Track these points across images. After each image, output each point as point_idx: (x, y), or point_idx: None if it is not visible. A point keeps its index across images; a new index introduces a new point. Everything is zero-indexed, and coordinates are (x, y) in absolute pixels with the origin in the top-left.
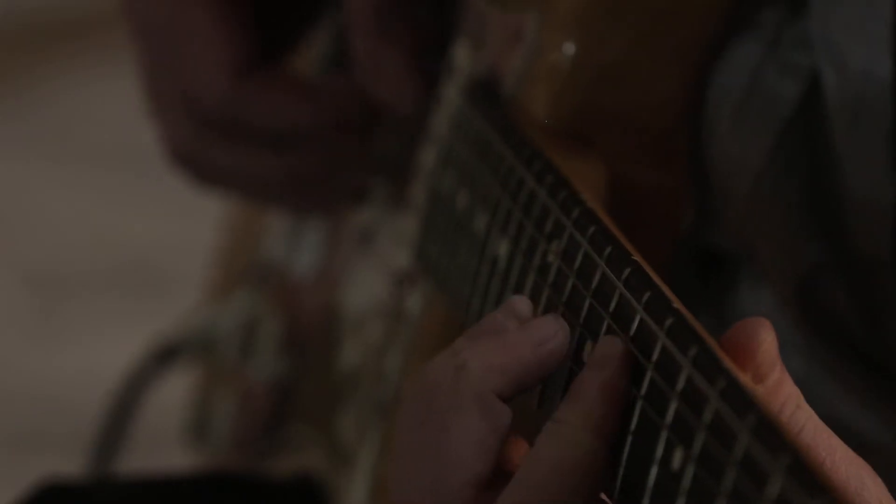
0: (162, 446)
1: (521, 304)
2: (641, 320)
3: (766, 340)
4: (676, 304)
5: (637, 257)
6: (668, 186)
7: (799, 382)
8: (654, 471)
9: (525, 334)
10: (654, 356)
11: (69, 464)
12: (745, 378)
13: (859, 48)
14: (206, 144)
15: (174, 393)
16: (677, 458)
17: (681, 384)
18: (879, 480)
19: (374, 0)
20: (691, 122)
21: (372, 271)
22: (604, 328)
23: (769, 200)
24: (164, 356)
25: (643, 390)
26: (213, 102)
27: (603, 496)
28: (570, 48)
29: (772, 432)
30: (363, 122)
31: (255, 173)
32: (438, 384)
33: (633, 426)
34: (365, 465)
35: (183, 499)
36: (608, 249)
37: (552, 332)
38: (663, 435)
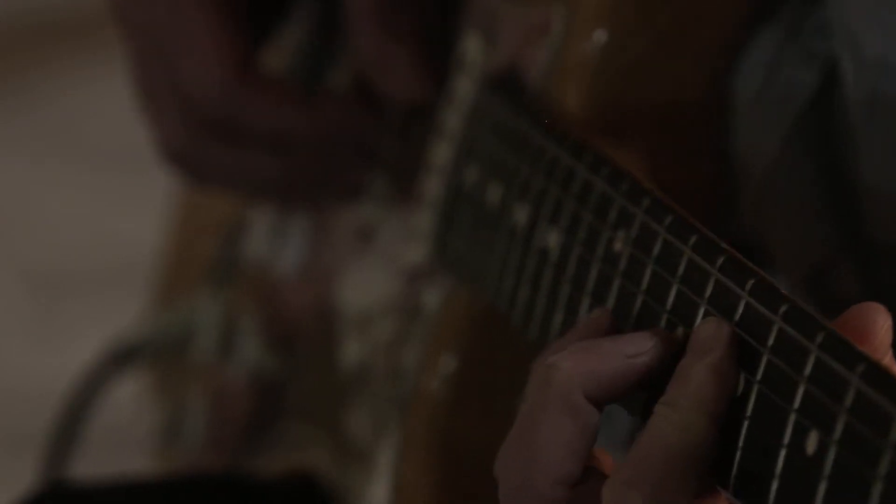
0: (125, 449)
1: (604, 316)
2: (748, 305)
3: (885, 324)
4: (785, 291)
5: (726, 245)
6: (702, 178)
7: None
8: (782, 456)
9: (618, 344)
10: (770, 341)
11: (69, 464)
12: (881, 361)
13: (875, 35)
14: (202, 144)
15: (138, 395)
16: (812, 442)
17: (809, 369)
18: None
19: None
20: (720, 112)
21: (374, 268)
22: (700, 314)
23: (784, 187)
24: (122, 358)
25: (759, 375)
26: (210, 100)
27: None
28: (600, 40)
29: None
30: (361, 133)
31: (251, 173)
32: (531, 385)
33: (749, 411)
34: (384, 462)
35: (183, 499)
36: (693, 238)
37: (647, 347)
38: (791, 419)
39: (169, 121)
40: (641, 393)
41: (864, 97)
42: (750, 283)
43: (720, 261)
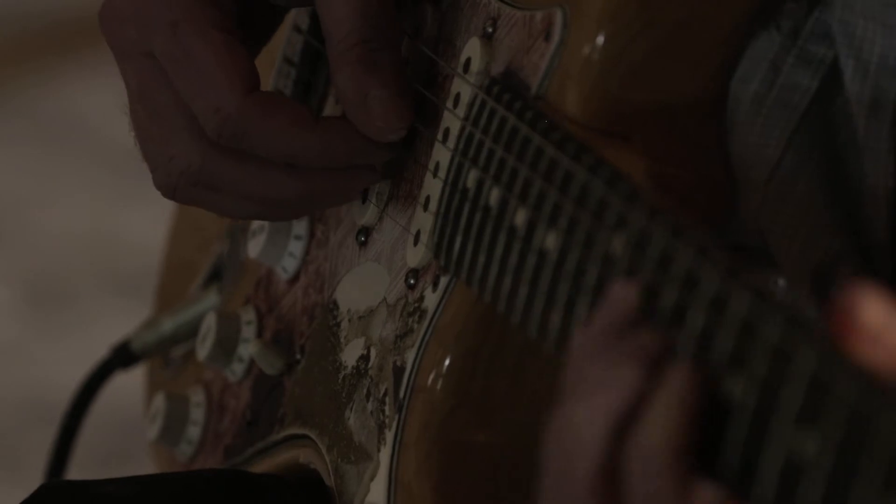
0: (126, 448)
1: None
2: (748, 306)
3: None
4: (784, 295)
5: (726, 248)
6: (702, 179)
7: None
8: (773, 455)
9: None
10: (772, 340)
11: (69, 464)
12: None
13: (877, 36)
14: (218, 159)
15: (139, 396)
16: (810, 445)
17: (798, 370)
18: None
19: (359, 36)
20: (721, 115)
21: (371, 270)
22: (697, 314)
23: (786, 190)
24: (125, 360)
25: (745, 378)
26: (224, 118)
27: None
28: (601, 44)
29: None
30: (370, 150)
31: (266, 190)
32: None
33: (733, 419)
34: (384, 460)
35: (186, 497)
36: (696, 242)
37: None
38: (782, 423)
39: (179, 142)
40: None
41: (866, 97)
42: (751, 285)
43: (720, 263)
